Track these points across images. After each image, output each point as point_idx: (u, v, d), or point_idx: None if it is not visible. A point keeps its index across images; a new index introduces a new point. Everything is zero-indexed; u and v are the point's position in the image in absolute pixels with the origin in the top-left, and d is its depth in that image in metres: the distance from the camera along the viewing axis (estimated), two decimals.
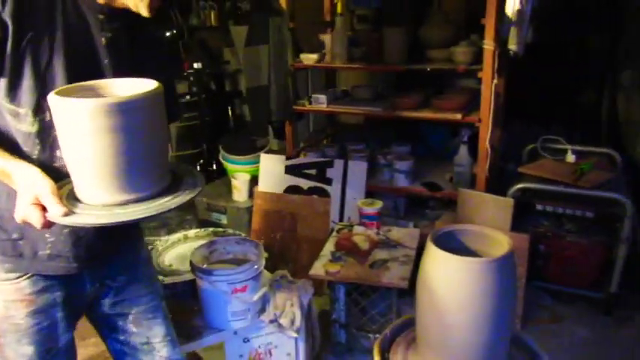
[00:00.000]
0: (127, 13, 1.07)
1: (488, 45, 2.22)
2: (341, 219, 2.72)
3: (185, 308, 1.76)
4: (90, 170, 0.93)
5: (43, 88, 0.98)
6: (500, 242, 1.26)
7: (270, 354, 1.86)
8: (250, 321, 1.73)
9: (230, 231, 2.21)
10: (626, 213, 2.21)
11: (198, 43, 4.97)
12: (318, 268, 2.07)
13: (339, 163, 2.75)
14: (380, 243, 2.22)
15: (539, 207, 2.43)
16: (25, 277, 1.13)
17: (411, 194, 2.71)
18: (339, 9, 2.60)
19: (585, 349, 2.24)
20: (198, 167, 3.99)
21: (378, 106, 2.66)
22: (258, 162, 2.93)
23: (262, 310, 1.77)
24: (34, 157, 1.05)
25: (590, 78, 3.66)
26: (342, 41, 2.59)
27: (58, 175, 1.00)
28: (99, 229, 1.10)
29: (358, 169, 2.72)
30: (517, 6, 2.32)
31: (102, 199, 0.94)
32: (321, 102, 2.72)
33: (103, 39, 1.07)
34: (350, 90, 3.02)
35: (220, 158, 3.30)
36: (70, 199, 0.96)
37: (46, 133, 1.03)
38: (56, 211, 0.90)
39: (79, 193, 0.96)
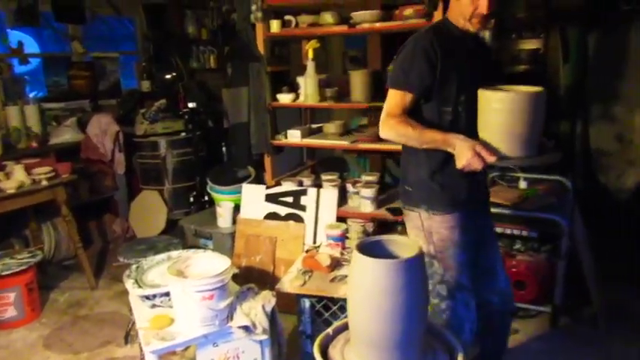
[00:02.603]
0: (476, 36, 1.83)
1: None
2: (315, 242, 2.97)
3: (161, 315, 2.01)
4: (495, 135, 1.65)
5: (454, 90, 1.74)
6: (414, 248, 1.52)
7: (238, 358, 2.08)
8: (218, 327, 1.96)
9: (209, 252, 2.48)
10: (563, 233, 2.45)
11: (197, 84, 5.36)
12: (284, 283, 2.31)
13: (312, 192, 3.03)
14: (343, 261, 2.47)
15: None
16: (454, 213, 1.82)
17: (376, 219, 2.97)
18: (310, 54, 2.93)
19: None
20: (191, 198, 4.29)
21: (345, 140, 2.97)
22: (241, 192, 3.22)
23: (230, 317, 2.02)
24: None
25: (564, 109, 3.96)
26: (313, 83, 2.91)
27: None
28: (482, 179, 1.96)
29: (329, 196, 3.00)
30: None
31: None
32: (295, 137, 3.03)
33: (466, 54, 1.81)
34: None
35: (208, 189, 3.59)
36: None
37: (459, 118, 1.76)
38: (493, 158, 1.59)
39: None
